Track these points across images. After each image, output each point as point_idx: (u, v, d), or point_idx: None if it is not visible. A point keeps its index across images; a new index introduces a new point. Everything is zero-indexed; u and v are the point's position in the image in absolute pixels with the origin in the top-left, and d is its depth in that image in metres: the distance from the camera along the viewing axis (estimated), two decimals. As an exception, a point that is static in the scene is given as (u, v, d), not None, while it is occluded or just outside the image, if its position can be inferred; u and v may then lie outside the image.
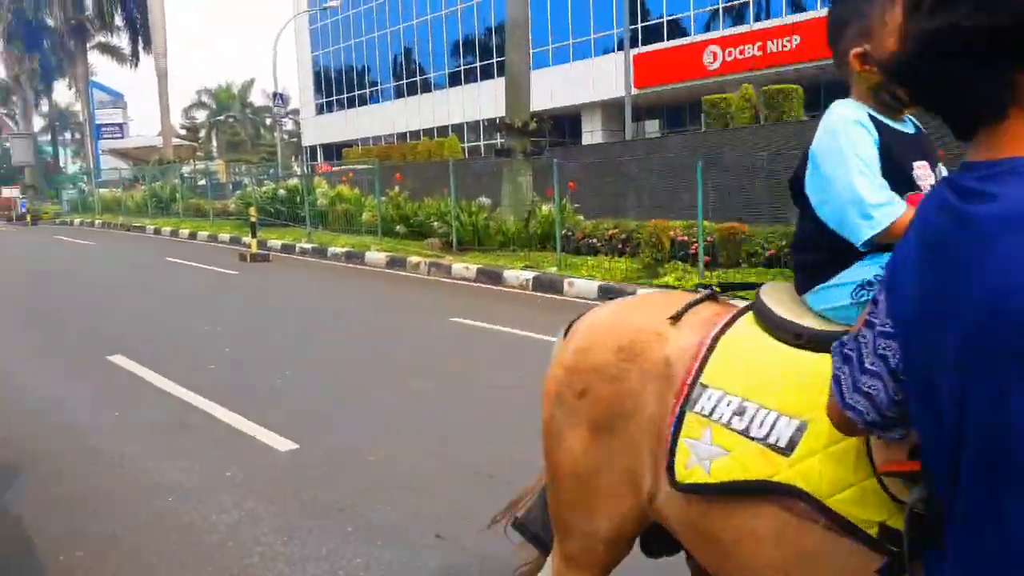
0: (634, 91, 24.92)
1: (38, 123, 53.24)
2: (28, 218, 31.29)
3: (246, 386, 6.10)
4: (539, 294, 11.00)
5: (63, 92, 65.75)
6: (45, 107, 49.60)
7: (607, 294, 10.25)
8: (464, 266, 12.69)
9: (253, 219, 16.12)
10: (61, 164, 56.74)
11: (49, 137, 58.37)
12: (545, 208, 14.36)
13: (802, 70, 23.68)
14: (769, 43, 25.02)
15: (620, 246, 12.40)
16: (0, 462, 4.49)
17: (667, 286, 9.90)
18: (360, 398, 5.80)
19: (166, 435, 4.98)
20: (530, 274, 11.55)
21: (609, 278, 10.83)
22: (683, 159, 13.48)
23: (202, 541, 3.54)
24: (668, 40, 28.50)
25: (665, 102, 29.93)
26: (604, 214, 14.21)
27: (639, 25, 28.79)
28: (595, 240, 13.01)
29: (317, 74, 47.12)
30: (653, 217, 11.70)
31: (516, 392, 5.90)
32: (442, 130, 37.54)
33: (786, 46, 24.55)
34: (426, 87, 39.80)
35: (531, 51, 16.72)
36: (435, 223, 15.10)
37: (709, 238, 10.95)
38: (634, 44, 26.99)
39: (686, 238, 11.27)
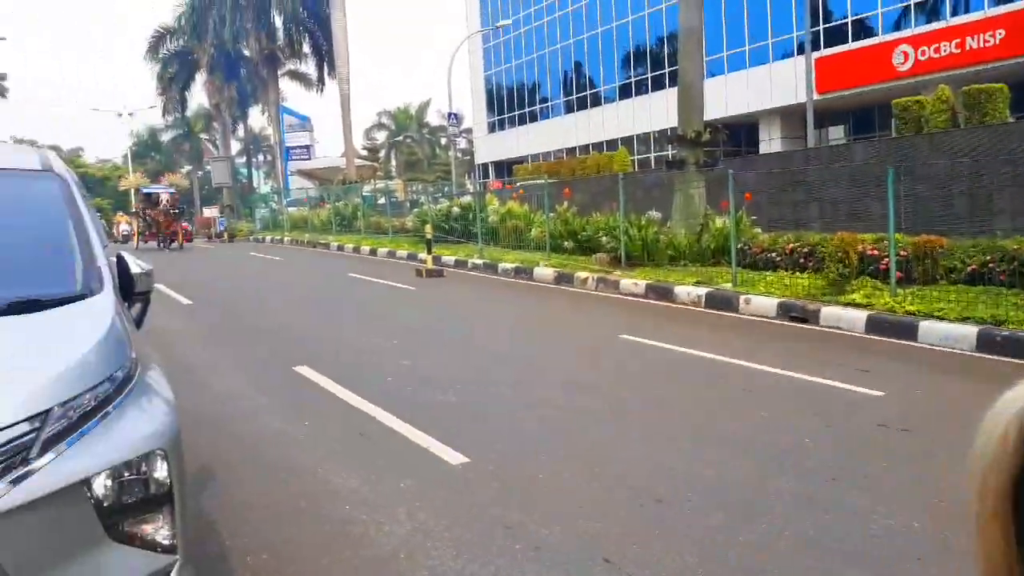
0: (816, 96, 23.83)
1: (234, 147, 58.06)
2: (225, 235, 34.22)
3: (421, 399, 6.31)
4: (712, 311, 10.70)
5: (256, 117, 71.42)
6: (241, 132, 53.97)
7: (788, 311, 9.81)
8: (633, 282, 12.56)
9: (429, 236, 16.74)
10: (254, 185, 61.63)
11: (244, 160, 63.64)
12: (719, 221, 13.97)
13: (1007, 67, 21.72)
14: (968, 39, 23.15)
15: (802, 261, 11.84)
16: (198, 465, 4.87)
17: (855, 304, 9.33)
18: (528, 414, 5.84)
19: (345, 445, 5.23)
20: (702, 290, 11.26)
21: (790, 294, 10.35)
22: (872, 167, 12.68)
23: (375, 551, 3.67)
24: (853, 41, 27.02)
25: (850, 107, 28.38)
26: (783, 227, 13.64)
27: (821, 27, 27.50)
28: (774, 254, 12.50)
29: (489, 92, 48.45)
30: (838, 229, 11.09)
31: (687, 414, 5.75)
32: (612, 143, 37.51)
33: (988, 41, 22.62)
34: (596, 101, 39.94)
35: (705, 59, 16.32)
36: (603, 238, 15.06)
37: (902, 252, 10.22)
38: (816, 47, 25.80)
39: (876, 252, 10.58)
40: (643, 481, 4.42)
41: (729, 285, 11.44)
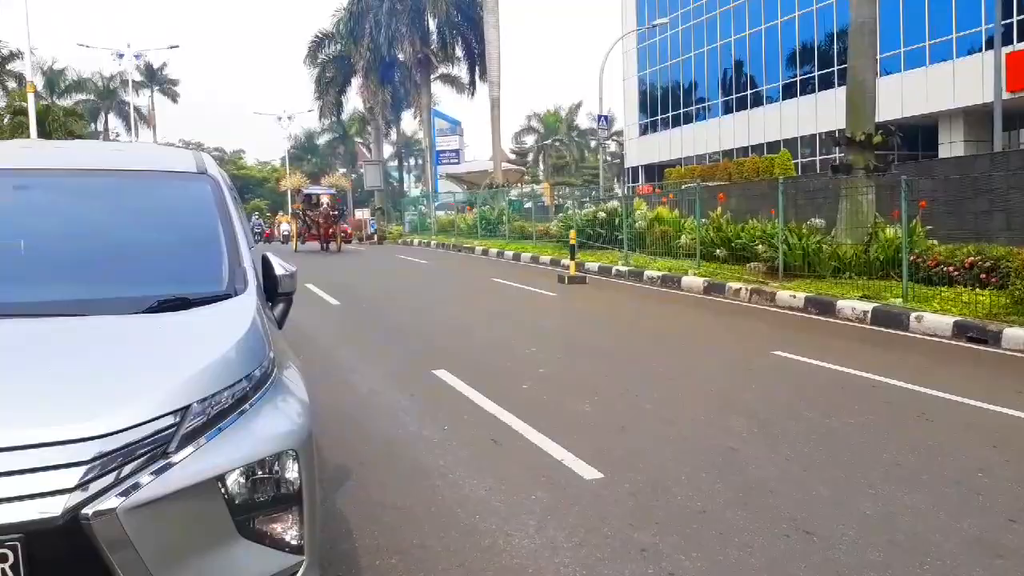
0: (1006, 95, 22.08)
1: (387, 151, 60.44)
2: (376, 238, 35.66)
3: (557, 409, 6.30)
4: (878, 329, 10.12)
5: (408, 121, 73.96)
6: (393, 135, 56.11)
7: (964, 332, 9.11)
8: (790, 294, 12.08)
9: (572, 241, 16.77)
10: (405, 188, 63.90)
11: (396, 163, 66.11)
12: (889, 231, 13.21)
13: None
14: None
15: (983, 276, 10.99)
16: (336, 463, 5.06)
17: (1045, 326, 8.54)
18: (670, 431, 5.70)
19: (479, 452, 5.29)
20: (868, 305, 10.66)
21: (968, 313, 9.62)
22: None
23: (503, 562, 3.67)
24: (1054, 33, 24.86)
25: (1048, 106, 26.16)
26: (962, 238, 12.74)
27: (1014, 19, 25.46)
28: (950, 268, 11.68)
29: (642, 93, 48.04)
30: (1028, 242, 10.20)
31: (844, 439, 5.43)
32: (772, 146, 36.30)
33: None
34: (757, 101, 38.77)
35: (879, 55, 15.49)
36: (759, 246, 14.57)
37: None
38: (1007, 41, 23.90)
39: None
40: (792, 510, 4.20)
41: (899, 300, 10.79)
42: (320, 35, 44.85)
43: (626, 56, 48.06)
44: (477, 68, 42.10)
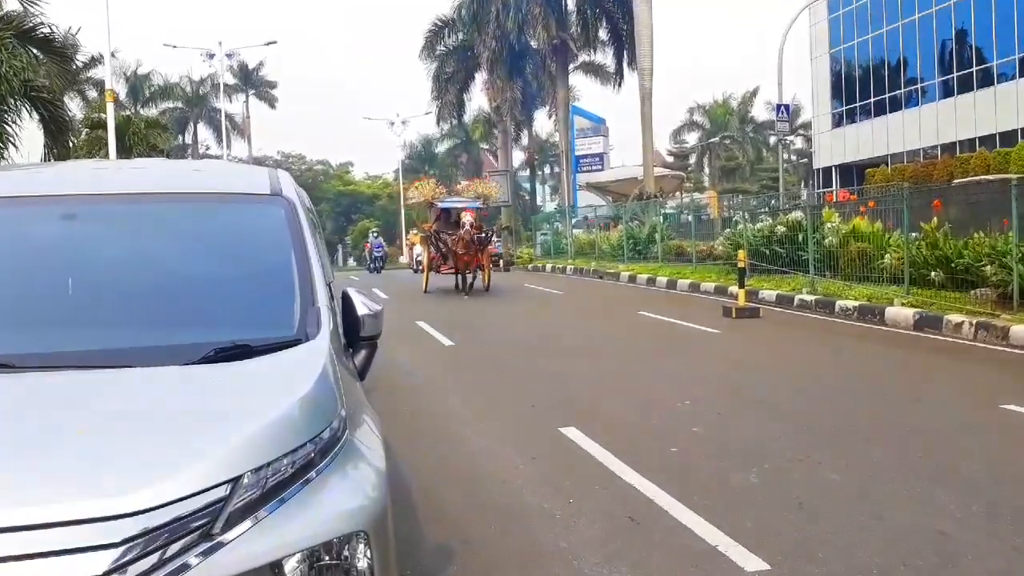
0: None
1: (517, 158, 61.38)
2: (501, 263, 35.99)
3: (714, 479, 6.16)
4: None
5: (542, 122, 74.63)
6: (524, 139, 56.89)
7: None
8: (1031, 330, 11.43)
9: (741, 264, 16.46)
10: (538, 202, 64.62)
11: (527, 172, 66.95)
12: None
13: None
14: None
15: None
16: (438, 538, 5.11)
17: None
18: (860, 509, 5.46)
19: (612, 532, 5.22)
20: None
21: None
22: None
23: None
24: None
25: None
26: None
27: None
28: None
29: (836, 75, 46.91)
30: None
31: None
32: (1009, 136, 34.57)
33: None
34: (987, 80, 37.08)
35: None
36: (987, 267, 13.86)
37: None
38: None
39: None
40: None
41: None
42: (438, 23, 46.24)
43: (815, 28, 47.09)
44: (625, 54, 42.26)
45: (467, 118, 58.35)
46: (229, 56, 58.20)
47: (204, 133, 68.80)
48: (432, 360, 12.13)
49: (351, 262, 66.78)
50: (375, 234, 46.70)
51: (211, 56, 56.24)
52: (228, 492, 2.47)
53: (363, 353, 3.73)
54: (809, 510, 5.49)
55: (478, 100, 52.08)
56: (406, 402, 9.09)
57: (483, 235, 22.80)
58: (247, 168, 5.31)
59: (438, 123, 52.92)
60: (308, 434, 2.74)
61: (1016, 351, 11.22)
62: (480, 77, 46.72)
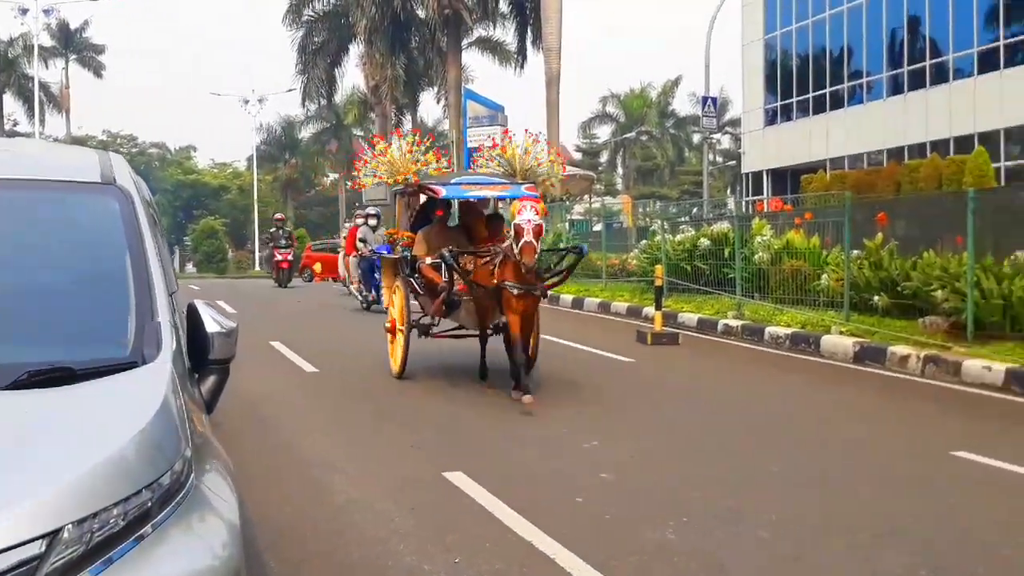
0: None
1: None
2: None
3: (623, 534, 6.23)
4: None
5: (429, 105, 74.16)
6: (407, 126, 56.72)
7: None
8: (984, 365, 11.92)
9: (659, 282, 16.73)
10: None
11: (411, 165, 66.71)
12: None
13: None
14: None
15: None
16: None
17: None
18: (792, 571, 5.59)
19: (504, 598, 5.24)
20: (1103, 384, 10.44)
21: None
22: None
23: None
24: None
25: None
26: None
27: None
28: None
29: (770, 65, 48.01)
30: None
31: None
32: (964, 142, 35.89)
33: None
34: (940, 76, 38.47)
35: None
36: (937, 292, 14.36)
37: None
38: None
39: None
40: None
41: None
42: (308, -18, 45.90)
43: (747, 9, 48.13)
44: (529, 30, 42.55)
45: (339, 98, 58.01)
46: (47, 13, 56.84)
47: (12, 105, 66.78)
48: (291, 390, 11.99)
49: (189, 267, 65.33)
50: (279, 228, 35.75)
51: (24, 12, 54.75)
52: (43, 549, 2.40)
53: (212, 380, 3.65)
54: (733, 572, 5.61)
55: (353, 77, 52.09)
56: (257, 441, 8.95)
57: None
58: (72, 150, 5.15)
59: (303, 103, 52.43)
60: (144, 479, 2.68)
61: (969, 389, 11.63)
62: (356, 50, 46.58)
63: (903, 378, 12.58)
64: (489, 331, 12.04)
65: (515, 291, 10.58)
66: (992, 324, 13.51)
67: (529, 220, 10.11)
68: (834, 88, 43.81)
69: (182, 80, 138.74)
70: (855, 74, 43.04)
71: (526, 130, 13.40)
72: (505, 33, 45.44)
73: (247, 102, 64.91)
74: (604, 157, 77.42)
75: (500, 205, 14.30)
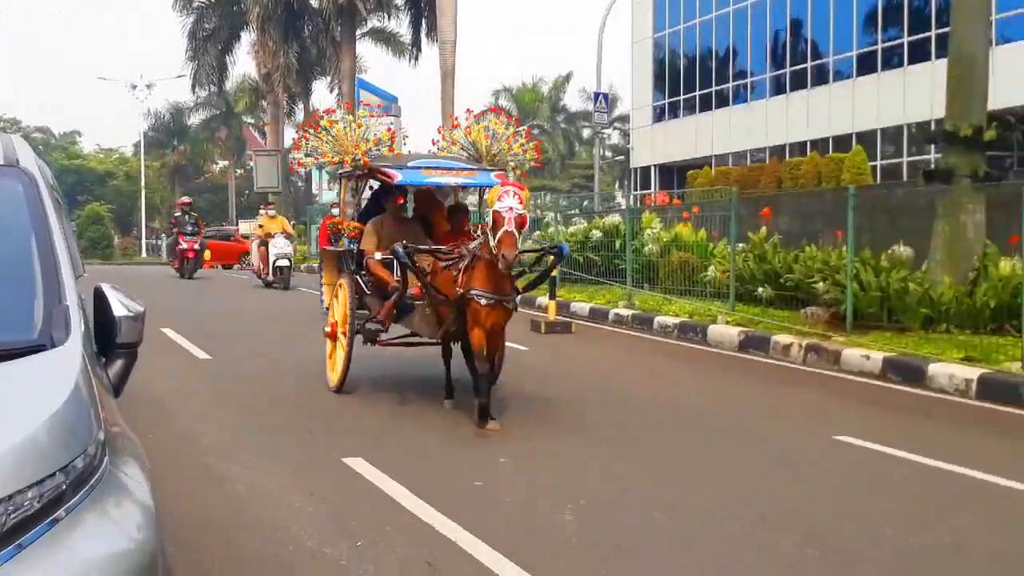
0: None
1: (289, 136, 60.33)
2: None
3: (524, 517, 6.30)
4: (988, 405, 10.27)
5: (322, 94, 73.32)
6: (299, 115, 55.94)
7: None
8: (862, 354, 12.28)
9: (553, 273, 16.82)
10: (314, 190, 63.80)
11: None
12: (1005, 264, 13.45)
13: None
14: None
15: None
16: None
17: None
18: (686, 552, 5.71)
19: (407, 579, 5.27)
20: (973, 372, 10.85)
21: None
22: None
23: None
24: None
25: None
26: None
27: None
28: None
29: (659, 63, 48.59)
30: None
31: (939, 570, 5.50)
32: (842, 141, 36.79)
33: None
34: (821, 78, 39.34)
35: (994, 16, 15.84)
36: (819, 284, 14.75)
37: None
38: None
39: None
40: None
41: (1017, 365, 10.98)
42: (198, -34, 45.10)
43: (638, 8, 48.61)
44: (424, 22, 42.39)
45: (230, 86, 57.08)
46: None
47: None
48: (183, 377, 11.80)
49: None
50: (184, 211, 31.38)
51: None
52: None
53: (119, 363, 3.57)
54: (629, 552, 5.70)
55: (244, 65, 51.16)
56: (149, 430, 8.78)
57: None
58: (-31, 131, 5.02)
59: (193, 89, 51.46)
60: (58, 462, 2.64)
61: (849, 376, 11.98)
62: (248, 37, 45.91)
63: (786, 366, 12.88)
64: (479, 347, 9.24)
65: (483, 301, 8.90)
66: (870, 315, 13.94)
67: (511, 208, 8.49)
68: (720, 87, 44.53)
69: (69, 63, 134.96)
70: (740, 74, 43.81)
71: (493, 109, 12.55)
72: (399, 25, 45.38)
73: (135, 87, 63.45)
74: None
75: (461, 195, 13.06)
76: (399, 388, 10.79)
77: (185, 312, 18.56)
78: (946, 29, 15.61)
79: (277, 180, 46.45)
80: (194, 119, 70.70)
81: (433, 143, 12.39)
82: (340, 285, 10.86)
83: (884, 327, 13.70)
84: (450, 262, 9.49)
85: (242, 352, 13.80)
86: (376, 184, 11.30)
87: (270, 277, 25.10)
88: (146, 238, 67.69)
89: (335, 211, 24.55)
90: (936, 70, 28.22)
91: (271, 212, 27.86)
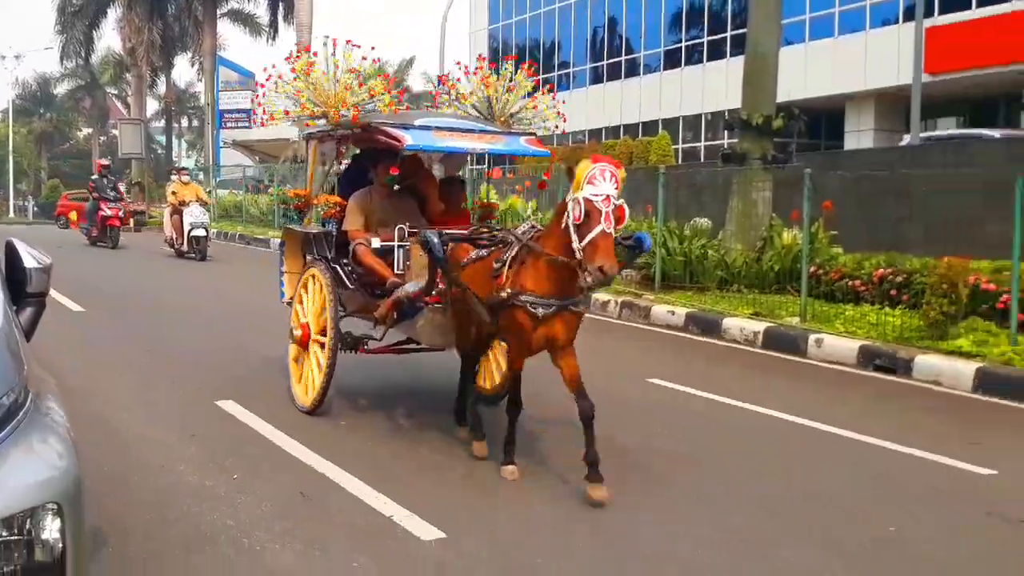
0: (926, 78, 23.97)
1: (152, 107, 58.27)
2: (132, 223, 32.79)
3: (385, 452, 6.39)
4: (772, 353, 10.81)
5: (184, 69, 70.65)
6: (162, 87, 54.00)
7: (872, 358, 9.88)
8: (669, 309, 12.72)
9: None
10: (174, 157, 61.84)
11: (163, 124, 63.68)
12: (787, 235, 14.08)
13: None
14: None
15: (894, 292, 11.94)
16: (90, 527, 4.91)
17: (961, 353, 9.42)
18: (528, 483, 5.90)
19: (282, 508, 5.30)
20: (759, 325, 11.38)
21: (876, 337, 10.44)
22: (997, 173, 12.76)
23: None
24: (979, 7, 27.17)
25: (970, 94, 28.61)
26: (873, 247, 13.71)
27: (937, -15, 27.75)
28: (857, 283, 12.61)
29: (494, 53, 48.60)
30: (947, 254, 11.15)
31: (717, 474, 5.84)
32: (650, 126, 37.68)
33: None
34: (632, 70, 40.15)
35: (781, 21, 16.49)
36: (633, 250, 15.17)
37: (1028, 288, 10.31)
38: (929, 13, 25.93)
39: (993, 286, 10.68)
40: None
41: (796, 320, 11.54)
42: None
43: (475, 2, 48.56)
44: (281, 5, 41.46)
45: (97, 59, 54.70)
46: None
47: None
48: (58, 329, 11.35)
49: None
50: (106, 177, 25.74)
51: None
52: None
53: (29, 311, 3.51)
54: (479, 480, 5.89)
55: (111, 40, 49.06)
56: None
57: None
58: None
59: (62, 61, 49.05)
60: (-15, 399, 2.63)
61: (657, 329, 12.43)
62: (114, 14, 43.95)
63: (604, 320, 13.21)
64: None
65: (542, 310, 5.70)
66: (675, 276, 14.42)
67: (608, 197, 5.28)
68: (546, 76, 44.88)
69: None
70: (563, 64, 44.38)
71: (515, 56, 9.23)
72: (257, 7, 44.20)
73: (3, 58, 60.32)
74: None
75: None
76: (268, 349, 10.54)
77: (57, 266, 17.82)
78: (740, 31, 16.17)
79: (141, 147, 44.93)
80: (60, 89, 67.78)
81: (433, 96, 9.33)
82: (312, 276, 7.56)
83: (687, 287, 14.18)
84: (485, 252, 6.36)
85: (114, 304, 13.40)
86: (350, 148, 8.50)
87: (184, 247, 21.34)
88: (13, 199, 64.87)
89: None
90: (730, 66, 29.24)
91: (184, 178, 23.33)
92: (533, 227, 6.12)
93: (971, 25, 26.91)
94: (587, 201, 5.25)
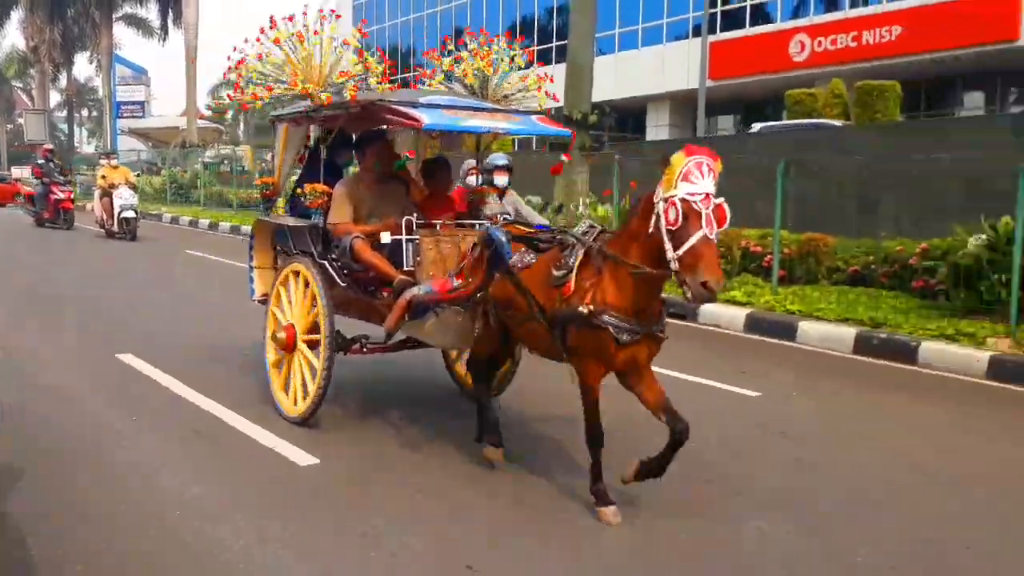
0: (709, 83, 24.80)
1: (54, 99, 54.92)
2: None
3: (264, 392, 6.23)
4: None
5: (83, 66, 66.85)
6: (63, 81, 50.98)
7: (667, 308, 10.17)
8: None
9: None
10: (76, 144, 58.37)
11: (65, 114, 60.04)
12: (601, 209, 14.38)
13: (902, 65, 23.32)
14: (865, 33, 24.70)
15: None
16: (1, 464, 4.65)
17: (735, 302, 9.85)
18: (379, 409, 5.88)
19: (178, 445, 5.12)
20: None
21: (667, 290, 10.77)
22: (762, 160, 13.34)
23: (214, 561, 3.64)
24: (750, 27, 28.28)
25: (743, 96, 29.74)
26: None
27: (719, 9, 28.64)
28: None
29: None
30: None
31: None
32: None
33: (885, 36, 24.21)
34: (482, 74, 40.18)
35: (595, 36, 16.86)
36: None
37: (786, 250, 10.85)
38: (712, 30, 26.82)
39: (760, 248, 11.18)
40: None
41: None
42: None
43: (341, 10, 47.36)
44: (171, 11, 39.64)
45: (2, 54, 51.22)
46: None
47: None
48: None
49: None
50: (52, 161, 23.08)
51: None
52: None
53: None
54: (338, 406, 5.80)
55: (15, 38, 45.87)
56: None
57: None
58: None
59: (-33, 56, 45.74)
60: None
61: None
62: (18, 15, 41.17)
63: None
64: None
65: (627, 336, 4.19)
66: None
67: (707, 196, 3.83)
68: (403, 76, 44.31)
69: None
70: (418, 65, 43.72)
71: (508, 33, 7.22)
72: (149, 12, 42.17)
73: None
74: (230, 115, 73.71)
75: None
76: (160, 310, 10.11)
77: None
78: (563, 42, 16.36)
79: (45, 134, 42.63)
80: (-33, 83, 62.88)
81: (422, 74, 6.96)
82: (295, 272, 5.73)
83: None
84: (543, 253, 4.60)
85: (16, 277, 12.62)
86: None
87: (115, 228, 19.18)
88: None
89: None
90: (557, 71, 29.48)
91: (113, 162, 21.10)
92: (593, 227, 4.44)
93: (745, 40, 28.00)
94: (684, 202, 3.78)
